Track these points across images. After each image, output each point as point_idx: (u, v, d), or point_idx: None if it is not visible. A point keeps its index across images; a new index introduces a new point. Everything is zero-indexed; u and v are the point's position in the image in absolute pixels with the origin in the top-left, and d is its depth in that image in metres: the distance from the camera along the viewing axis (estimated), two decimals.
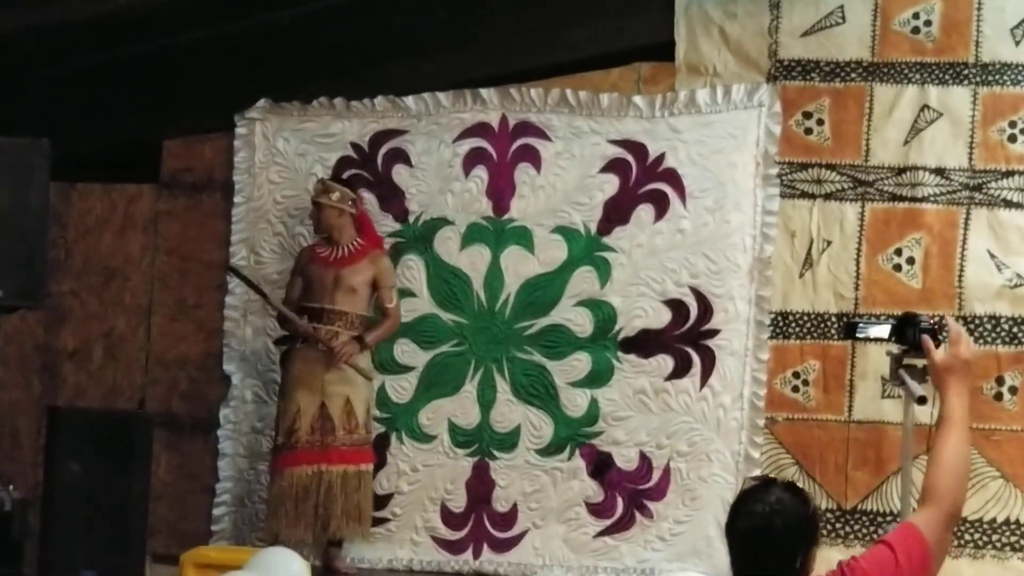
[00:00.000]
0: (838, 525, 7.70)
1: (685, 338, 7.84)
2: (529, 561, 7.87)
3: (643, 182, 7.92)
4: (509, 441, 7.94)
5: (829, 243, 7.84)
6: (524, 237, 8.00)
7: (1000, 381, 7.69)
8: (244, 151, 8.20)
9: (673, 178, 7.88)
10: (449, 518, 7.94)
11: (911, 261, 7.80)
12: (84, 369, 8.33)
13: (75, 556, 7.28)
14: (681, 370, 7.82)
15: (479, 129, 8.05)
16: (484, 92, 8.06)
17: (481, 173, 8.05)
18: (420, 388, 8.02)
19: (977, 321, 7.69)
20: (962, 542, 7.56)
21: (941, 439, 3.43)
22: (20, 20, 7.49)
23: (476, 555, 7.92)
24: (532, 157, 8.01)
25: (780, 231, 7.83)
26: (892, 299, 7.69)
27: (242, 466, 8.12)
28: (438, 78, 8.15)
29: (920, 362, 5.53)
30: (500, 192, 8.03)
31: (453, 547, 7.93)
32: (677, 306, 7.85)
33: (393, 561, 7.93)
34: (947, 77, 7.80)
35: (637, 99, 7.94)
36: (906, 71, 7.83)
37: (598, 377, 7.89)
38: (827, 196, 7.86)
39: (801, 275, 7.86)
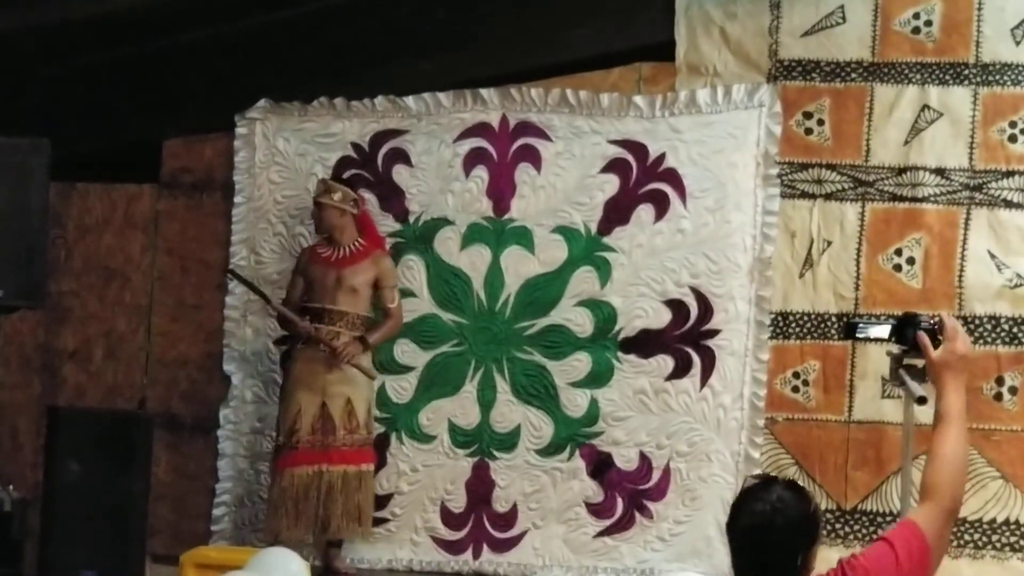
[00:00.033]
0: (838, 525, 7.70)
1: (685, 338, 7.84)
2: (529, 561, 7.87)
3: (643, 182, 7.92)
4: (509, 441, 7.94)
5: (829, 243, 7.84)
6: (524, 237, 8.00)
7: (1000, 381, 7.69)
8: (244, 151, 8.21)
9: (673, 178, 7.88)
10: (449, 518, 7.94)
11: (911, 261, 7.80)
12: (84, 369, 8.33)
13: (75, 556, 7.28)
14: (681, 370, 7.82)
15: (479, 129, 8.05)
16: (484, 92, 8.06)
17: (481, 173, 8.05)
18: (420, 388, 8.02)
19: (977, 321, 7.69)
20: (962, 542, 7.56)
21: (939, 435, 3.43)
22: (20, 20, 7.49)
23: (476, 555, 7.92)
24: (532, 157, 8.01)
25: (780, 231, 7.83)
26: (892, 299, 7.69)
27: (242, 466, 8.12)
28: (438, 78, 8.15)
29: (920, 362, 5.51)
30: (500, 192, 8.03)
31: (453, 547, 7.93)
32: (677, 306, 7.85)
33: (393, 561, 7.93)
34: (947, 77, 7.80)
35: (637, 99, 7.94)
36: (906, 71, 7.83)
37: (598, 377, 7.89)
38: (827, 196, 7.86)
39: (801, 275, 7.86)
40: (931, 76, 7.81)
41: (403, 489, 7.97)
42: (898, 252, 7.81)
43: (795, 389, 7.84)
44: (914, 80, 7.82)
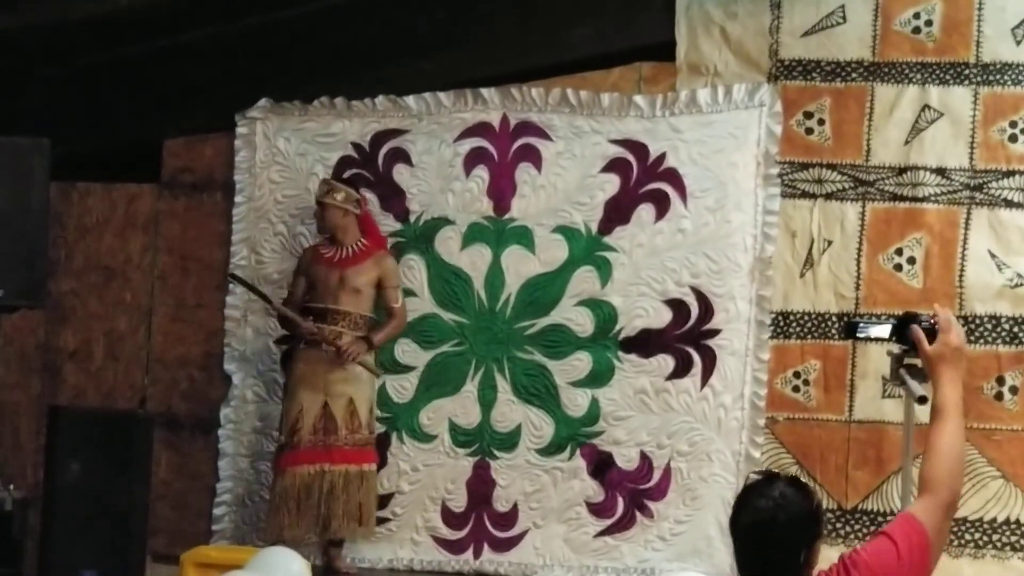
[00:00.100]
0: (839, 525, 7.69)
1: (686, 338, 7.83)
2: (529, 561, 7.87)
3: (644, 182, 7.92)
4: (510, 441, 7.94)
5: (830, 243, 7.84)
6: (525, 237, 7.99)
7: (1000, 381, 7.69)
8: (245, 151, 8.21)
9: (674, 178, 7.88)
10: (450, 518, 7.94)
11: (912, 261, 7.79)
12: (84, 369, 8.33)
13: (75, 556, 7.28)
14: (682, 370, 7.82)
15: (480, 129, 8.05)
16: (485, 92, 8.06)
17: (482, 173, 8.05)
18: (421, 388, 8.02)
19: (977, 321, 7.69)
20: (962, 542, 7.55)
21: (936, 429, 3.44)
22: (20, 20, 7.49)
23: (476, 555, 7.92)
24: (533, 157, 8.01)
25: (781, 231, 7.83)
26: (893, 299, 7.69)
27: (243, 466, 8.11)
28: (438, 78, 8.15)
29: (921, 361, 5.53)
30: (501, 192, 8.03)
31: (453, 547, 7.93)
32: (678, 306, 7.85)
33: (393, 561, 7.93)
34: (948, 77, 7.80)
35: (638, 99, 7.94)
36: (907, 71, 7.83)
37: (599, 377, 7.89)
38: (828, 196, 7.86)
39: (802, 275, 7.86)
40: (931, 76, 7.81)
41: (404, 489, 7.97)
42: (899, 252, 7.80)
43: (796, 389, 7.83)
44: (914, 80, 7.83)
